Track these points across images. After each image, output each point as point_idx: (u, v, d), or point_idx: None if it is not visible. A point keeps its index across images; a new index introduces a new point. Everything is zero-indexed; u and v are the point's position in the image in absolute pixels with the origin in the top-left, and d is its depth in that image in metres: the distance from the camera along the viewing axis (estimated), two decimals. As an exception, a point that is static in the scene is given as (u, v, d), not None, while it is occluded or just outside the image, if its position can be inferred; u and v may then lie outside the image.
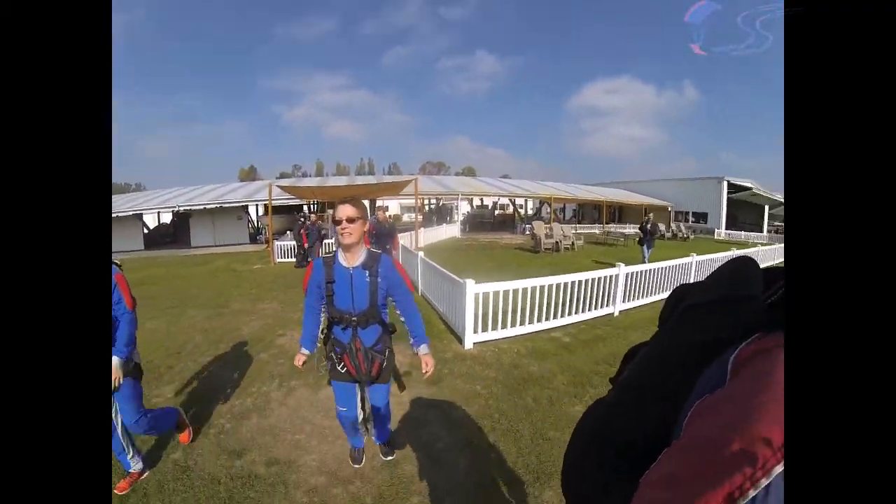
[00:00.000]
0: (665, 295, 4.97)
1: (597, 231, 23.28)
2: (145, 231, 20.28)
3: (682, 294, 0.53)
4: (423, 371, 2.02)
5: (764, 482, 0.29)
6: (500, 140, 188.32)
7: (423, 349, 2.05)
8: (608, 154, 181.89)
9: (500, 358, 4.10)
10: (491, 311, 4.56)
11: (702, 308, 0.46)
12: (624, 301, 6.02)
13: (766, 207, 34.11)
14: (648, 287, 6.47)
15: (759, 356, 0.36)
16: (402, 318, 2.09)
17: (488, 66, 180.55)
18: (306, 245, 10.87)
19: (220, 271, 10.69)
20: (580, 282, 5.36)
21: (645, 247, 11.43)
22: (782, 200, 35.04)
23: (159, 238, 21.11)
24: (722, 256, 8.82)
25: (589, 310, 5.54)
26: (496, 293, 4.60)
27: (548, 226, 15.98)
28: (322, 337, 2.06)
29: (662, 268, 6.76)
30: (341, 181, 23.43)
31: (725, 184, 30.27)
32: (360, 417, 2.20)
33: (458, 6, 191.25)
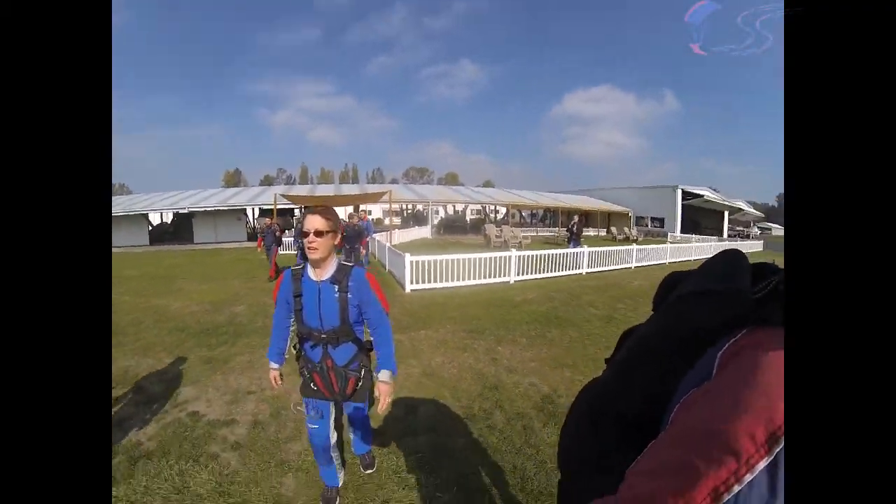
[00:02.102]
0: (553, 274, 9.35)
1: (553, 233, 26.84)
2: (150, 228, 22.63)
3: (675, 282, 0.57)
4: (376, 397, 1.82)
5: (748, 478, 0.30)
6: (483, 147, 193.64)
7: (384, 374, 1.82)
8: (589, 160, 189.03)
9: (424, 297, 7.33)
10: (423, 273, 7.81)
11: (692, 298, 0.49)
12: (518, 275, 9.30)
13: (726, 213, 35.67)
14: (537, 266, 9.78)
15: (746, 352, 0.37)
16: (372, 339, 1.90)
17: (471, 75, 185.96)
18: (260, 248, 10.34)
19: (235, 260, 13.61)
20: (482, 258, 8.66)
21: (571, 244, 13.69)
22: (739, 207, 36.76)
23: (161, 235, 22.88)
24: (610, 250, 12.22)
25: (492, 277, 8.82)
26: (423, 262, 7.85)
27: (498, 228, 19.37)
28: (295, 353, 1.96)
29: (547, 254, 10.11)
30: (328, 189, 26.29)
31: (680, 191, 32.18)
32: (333, 440, 2.06)
33: (442, 17, 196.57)
